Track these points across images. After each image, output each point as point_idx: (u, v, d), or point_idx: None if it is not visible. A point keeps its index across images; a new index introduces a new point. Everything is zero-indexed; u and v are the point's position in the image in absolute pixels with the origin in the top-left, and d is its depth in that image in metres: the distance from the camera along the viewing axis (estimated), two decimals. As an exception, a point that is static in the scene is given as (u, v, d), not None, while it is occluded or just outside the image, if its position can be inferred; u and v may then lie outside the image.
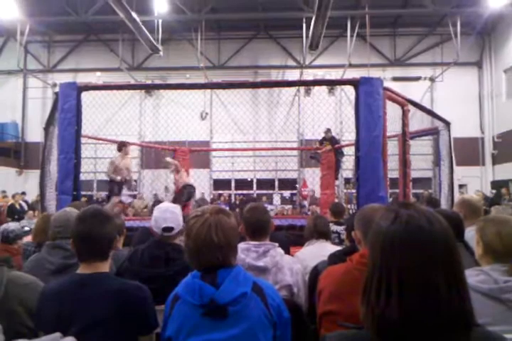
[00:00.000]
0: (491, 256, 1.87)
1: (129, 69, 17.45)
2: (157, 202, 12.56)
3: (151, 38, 14.34)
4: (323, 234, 3.32)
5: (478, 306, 1.03)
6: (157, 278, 2.26)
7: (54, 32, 17.84)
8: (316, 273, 2.47)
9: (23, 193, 14.09)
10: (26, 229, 3.86)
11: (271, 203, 16.07)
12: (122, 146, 7.81)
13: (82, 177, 5.72)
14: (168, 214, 2.52)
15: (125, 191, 8.02)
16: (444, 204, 6.57)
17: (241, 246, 2.38)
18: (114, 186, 7.62)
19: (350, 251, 2.20)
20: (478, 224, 1.98)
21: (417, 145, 7.75)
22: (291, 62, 18.06)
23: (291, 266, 2.47)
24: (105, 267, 1.86)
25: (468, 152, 15.27)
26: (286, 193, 17.17)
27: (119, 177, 7.56)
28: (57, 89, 5.84)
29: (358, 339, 1.03)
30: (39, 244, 3.02)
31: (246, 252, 2.40)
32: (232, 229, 1.63)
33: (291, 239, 4.03)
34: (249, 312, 1.53)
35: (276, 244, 2.50)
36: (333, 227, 4.24)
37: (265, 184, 16.97)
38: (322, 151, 9.81)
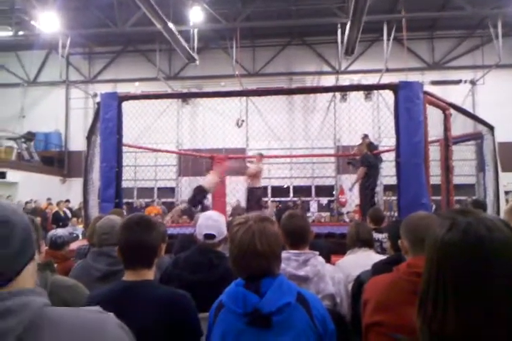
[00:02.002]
0: None
1: (166, 79, 17.80)
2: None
3: (187, 48, 14.59)
4: (367, 242, 3.24)
5: None
6: (200, 285, 2.27)
7: (94, 44, 18.44)
8: (359, 282, 2.42)
9: (67, 201, 14.51)
10: (74, 235, 3.97)
11: (308, 210, 15.94)
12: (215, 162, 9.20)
13: (123, 184, 5.84)
14: (211, 222, 2.54)
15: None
16: (489, 212, 6.34)
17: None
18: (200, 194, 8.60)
19: (395, 261, 2.14)
20: None
21: (459, 151, 7.53)
22: (326, 68, 17.99)
23: (333, 275, 2.42)
24: (150, 274, 1.87)
25: (513, 157, 14.72)
26: (324, 200, 17.00)
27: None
28: (98, 100, 6.00)
29: None
30: (93, 244, 3.10)
31: (286, 261, 2.37)
32: (276, 237, 1.61)
33: (331, 247, 3.96)
34: (294, 322, 1.51)
35: (317, 253, 2.46)
36: (374, 235, 4.10)
37: (302, 191, 16.87)
38: (355, 152, 9.69)
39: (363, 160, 8.03)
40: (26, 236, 0.89)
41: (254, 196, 8.97)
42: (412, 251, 1.78)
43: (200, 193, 8.59)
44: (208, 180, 8.75)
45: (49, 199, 14.87)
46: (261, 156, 9.40)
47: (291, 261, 2.37)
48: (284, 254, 2.40)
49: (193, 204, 8.64)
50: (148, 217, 2.00)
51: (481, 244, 0.92)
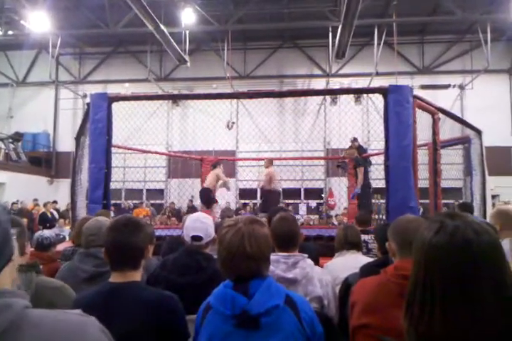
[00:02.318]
0: None
1: (156, 80, 17.76)
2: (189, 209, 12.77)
3: (179, 49, 14.57)
4: (355, 245, 3.26)
5: None
6: (187, 287, 2.27)
7: (84, 44, 18.35)
8: (347, 285, 2.43)
9: (55, 202, 14.39)
10: (61, 236, 3.93)
11: (297, 213, 15.96)
12: (217, 164, 9.37)
13: (112, 186, 5.80)
14: (198, 224, 2.53)
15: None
16: (476, 215, 6.40)
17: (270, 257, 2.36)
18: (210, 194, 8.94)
19: (382, 263, 2.16)
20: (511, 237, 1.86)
21: (447, 155, 7.59)
22: (317, 71, 18.06)
23: (321, 278, 2.43)
24: (137, 276, 1.86)
25: (500, 161, 14.86)
26: (313, 203, 17.04)
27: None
28: (87, 100, 5.96)
29: None
30: (78, 245, 3.08)
31: (275, 264, 2.37)
32: (266, 240, 1.61)
33: (320, 249, 3.97)
34: (282, 324, 1.50)
35: (306, 255, 2.46)
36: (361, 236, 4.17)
37: (291, 193, 16.89)
38: (349, 160, 9.72)
39: (356, 162, 8.08)
40: (3, 237, 0.88)
41: (271, 199, 8.91)
42: (400, 253, 1.79)
43: (207, 194, 8.91)
44: (210, 180, 8.95)
45: (35, 200, 14.72)
46: (269, 160, 9.37)
47: (280, 264, 2.37)
48: (273, 257, 2.40)
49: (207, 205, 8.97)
50: (136, 219, 1.99)
51: (469, 247, 0.93)
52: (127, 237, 1.82)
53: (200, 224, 2.54)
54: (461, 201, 13.26)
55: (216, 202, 9.18)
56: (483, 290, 0.89)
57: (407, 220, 1.85)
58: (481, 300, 0.89)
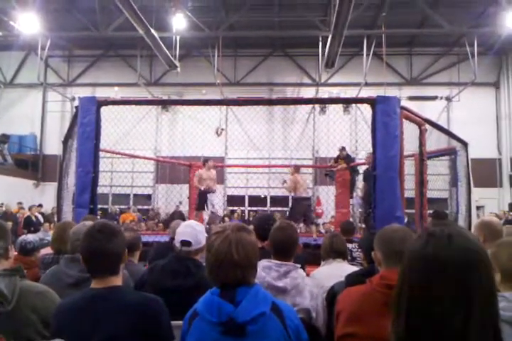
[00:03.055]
0: (510, 281, 1.77)
1: (146, 85, 17.71)
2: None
3: (169, 54, 14.57)
4: (341, 254, 3.28)
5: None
6: (174, 291, 2.27)
7: (74, 47, 18.23)
8: (332, 293, 2.44)
9: (40, 205, 14.20)
10: (45, 241, 3.87)
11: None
12: (205, 162, 9.21)
13: (99, 190, 5.76)
14: (189, 229, 2.54)
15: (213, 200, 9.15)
16: (461, 226, 6.47)
17: (263, 263, 2.36)
18: (201, 197, 8.86)
19: (368, 272, 2.17)
20: (492, 249, 1.87)
21: (433, 165, 7.68)
22: (306, 80, 18.19)
23: (312, 290, 2.42)
24: (117, 281, 1.85)
25: (486, 173, 15.08)
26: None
27: (202, 187, 8.78)
28: (76, 103, 5.94)
29: None
30: (58, 252, 3.04)
31: (267, 270, 2.37)
32: (253, 247, 1.62)
33: (306, 257, 3.99)
34: (268, 332, 1.51)
35: (299, 266, 2.46)
36: (346, 245, 4.27)
37: (279, 201, 16.90)
38: (337, 169, 9.78)
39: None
40: None
41: (299, 206, 8.76)
42: (385, 263, 1.80)
43: (201, 196, 8.88)
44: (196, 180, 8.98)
45: (20, 203, 14.47)
46: (296, 167, 9.05)
47: (271, 271, 2.37)
48: (266, 263, 2.40)
49: (198, 208, 8.96)
50: (111, 225, 1.96)
51: (438, 253, 0.95)
52: (103, 244, 1.80)
53: (191, 230, 2.54)
54: (447, 211, 13.43)
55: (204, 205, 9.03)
56: (443, 298, 0.91)
57: (392, 230, 1.87)
58: (438, 307, 0.91)
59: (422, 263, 0.96)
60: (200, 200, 8.83)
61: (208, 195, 8.86)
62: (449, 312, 0.90)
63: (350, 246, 4.35)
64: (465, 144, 7.48)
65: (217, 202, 9.69)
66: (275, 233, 2.49)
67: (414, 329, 0.92)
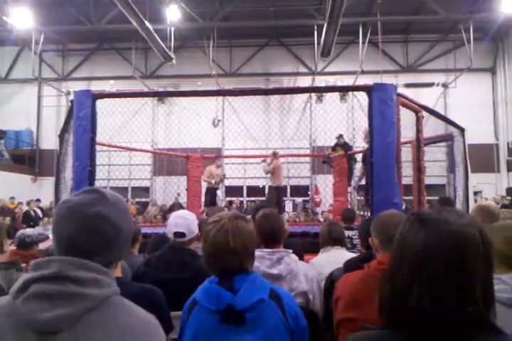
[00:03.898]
0: (506, 264, 1.77)
1: (141, 78, 17.63)
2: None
3: (164, 46, 14.48)
4: (339, 241, 3.30)
5: (498, 316, 0.99)
6: (172, 282, 2.27)
7: (68, 41, 18.11)
8: (331, 280, 2.45)
9: (38, 200, 14.19)
10: (45, 235, 3.87)
11: (283, 210, 15.97)
12: (214, 159, 9.92)
13: (96, 184, 5.76)
14: (180, 220, 2.54)
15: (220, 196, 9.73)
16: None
17: (255, 253, 2.37)
18: (210, 193, 9.36)
19: (366, 258, 2.18)
20: None
21: (430, 152, 7.69)
22: (302, 69, 18.11)
23: (306, 273, 2.44)
24: (116, 272, 1.85)
25: (483, 159, 15.09)
26: (299, 200, 17.08)
27: (213, 181, 9.31)
28: (71, 97, 5.91)
29: (379, 338, 1.03)
30: None
31: (260, 260, 2.37)
32: (250, 235, 1.63)
33: (305, 246, 4.00)
34: (267, 318, 1.52)
35: (290, 251, 2.47)
36: (346, 233, 4.26)
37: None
38: (334, 156, 9.79)
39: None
40: None
41: (273, 195, 8.84)
42: (382, 248, 1.81)
43: (210, 193, 9.29)
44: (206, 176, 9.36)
45: (13, 198, 14.27)
46: (275, 154, 9.33)
47: (264, 260, 2.38)
48: (258, 253, 2.40)
49: (208, 204, 9.25)
50: None
51: (439, 232, 0.97)
52: None
53: (183, 221, 2.54)
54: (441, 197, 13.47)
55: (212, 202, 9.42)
56: (448, 275, 0.93)
57: (388, 215, 1.88)
58: (443, 282, 0.93)
59: (410, 248, 0.97)
60: (210, 197, 9.20)
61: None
62: (442, 296, 0.92)
63: (350, 233, 4.39)
64: (462, 130, 7.48)
65: (222, 198, 10.12)
66: (260, 222, 2.49)
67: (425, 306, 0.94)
